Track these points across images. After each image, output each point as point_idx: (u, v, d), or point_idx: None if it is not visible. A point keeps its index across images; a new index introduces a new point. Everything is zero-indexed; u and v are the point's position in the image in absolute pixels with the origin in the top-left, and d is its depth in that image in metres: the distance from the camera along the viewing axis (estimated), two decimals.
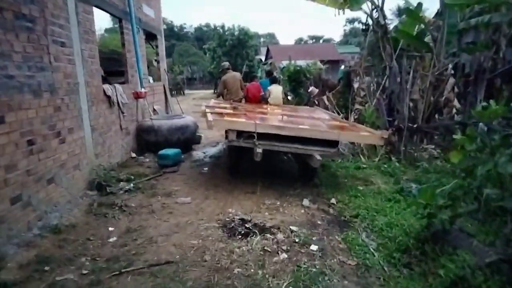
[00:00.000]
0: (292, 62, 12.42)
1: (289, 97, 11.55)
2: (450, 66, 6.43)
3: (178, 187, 5.03)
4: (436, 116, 6.58)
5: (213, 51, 31.62)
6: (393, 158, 5.87)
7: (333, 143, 4.63)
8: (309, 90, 10.31)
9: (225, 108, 6.32)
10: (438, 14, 7.33)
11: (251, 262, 2.95)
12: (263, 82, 8.69)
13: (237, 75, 8.11)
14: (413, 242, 2.93)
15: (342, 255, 3.10)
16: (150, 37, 9.62)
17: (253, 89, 7.93)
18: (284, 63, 14.80)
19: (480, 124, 4.35)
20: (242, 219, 3.79)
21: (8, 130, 3.19)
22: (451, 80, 6.20)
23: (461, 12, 6.21)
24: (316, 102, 9.26)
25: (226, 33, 31.83)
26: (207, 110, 5.46)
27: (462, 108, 6.19)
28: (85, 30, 5.01)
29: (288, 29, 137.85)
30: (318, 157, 4.42)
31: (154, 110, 8.38)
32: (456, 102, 6.23)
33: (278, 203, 4.36)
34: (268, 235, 3.43)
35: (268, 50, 35.83)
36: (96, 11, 5.54)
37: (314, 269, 2.84)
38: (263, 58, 35.28)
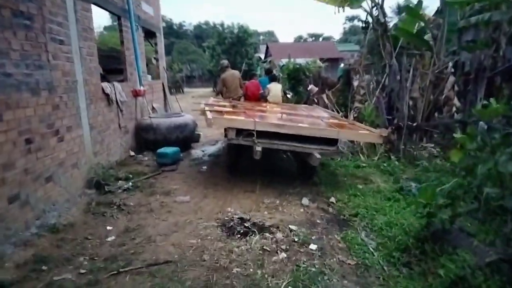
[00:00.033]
0: (292, 60, 12.42)
1: (288, 95, 11.53)
2: (450, 64, 6.40)
3: (177, 186, 5.01)
4: (436, 114, 6.56)
5: (213, 49, 31.50)
6: (392, 157, 5.86)
7: (333, 142, 4.62)
8: (308, 88, 10.29)
9: (224, 106, 6.30)
10: (438, 12, 7.32)
11: (250, 262, 2.94)
12: (263, 80, 8.65)
13: (236, 73, 8.09)
14: (413, 241, 2.92)
15: (341, 255, 3.09)
16: (149, 35, 9.57)
17: (252, 87, 7.91)
18: (284, 61, 14.77)
19: (480, 122, 4.33)
20: (241, 218, 3.78)
21: (6, 128, 3.17)
22: (451, 79, 6.18)
23: (461, 10, 6.20)
24: (316, 100, 9.24)
25: (226, 31, 31.73)
26: (206, 108, 5.44)
27: (462, 106, 6.17)
28: (84, 27, 4.99)
29: (287, 27, 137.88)
30: (318, 156, 4.41)
31: (153, 108, 8.35)
32: (456, 101, 6.20)
33: (277, 202, 4.35)
34: (267, 234, 3.41)
35: (267, 48, 35.73)
36: (95, 9, 5.53)
37: (313, 269, 2.83)
38: (262, 56, 35.16)
